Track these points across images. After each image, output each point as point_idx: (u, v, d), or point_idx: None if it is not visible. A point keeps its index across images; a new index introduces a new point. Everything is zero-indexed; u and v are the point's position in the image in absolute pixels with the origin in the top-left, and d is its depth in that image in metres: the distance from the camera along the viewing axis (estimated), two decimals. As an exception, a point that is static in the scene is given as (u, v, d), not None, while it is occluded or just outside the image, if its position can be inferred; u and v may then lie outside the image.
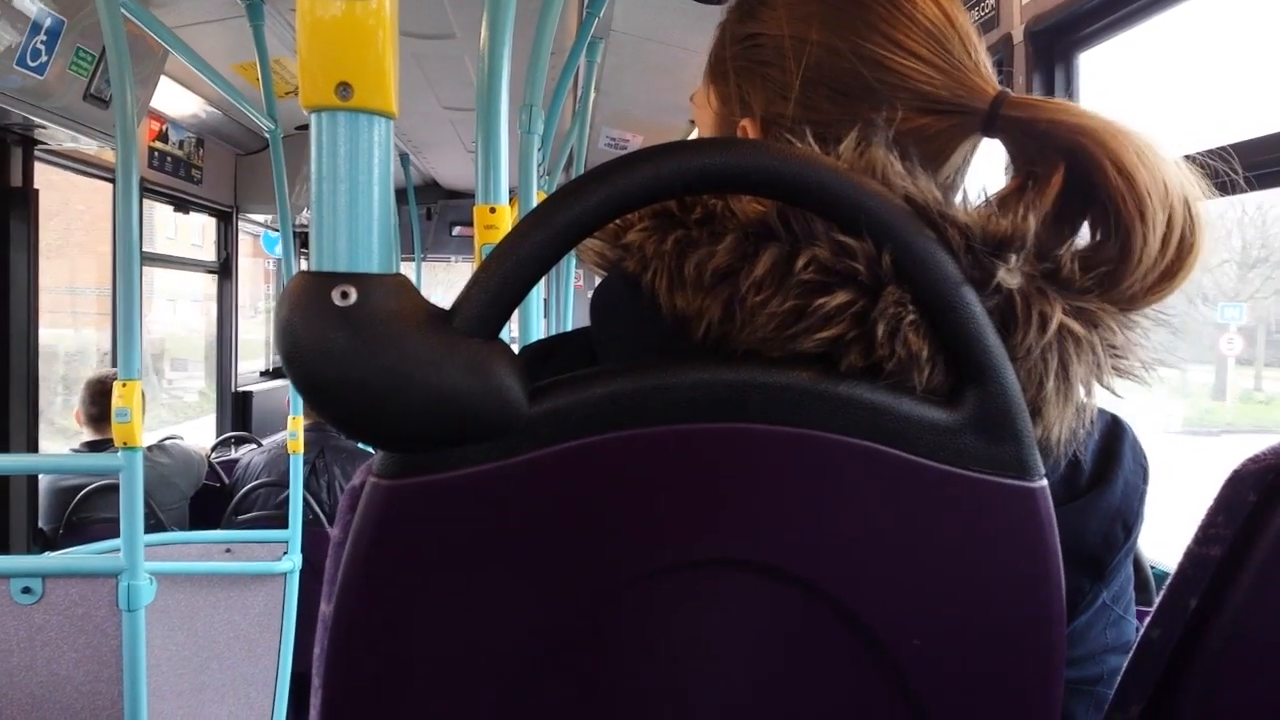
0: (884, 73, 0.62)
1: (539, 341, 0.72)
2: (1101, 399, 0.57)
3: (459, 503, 0.47)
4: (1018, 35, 1.68)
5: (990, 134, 0.61)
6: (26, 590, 2.02)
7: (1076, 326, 0.53)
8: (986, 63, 0.64)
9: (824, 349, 0.49)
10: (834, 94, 0.63)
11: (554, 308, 3.84)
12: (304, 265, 0.46)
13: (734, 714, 0.51)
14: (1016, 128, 0.60)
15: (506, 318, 0.47)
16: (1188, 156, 0.59)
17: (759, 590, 0.49)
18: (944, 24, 0.63)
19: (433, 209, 5.59)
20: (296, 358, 0.44)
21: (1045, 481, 0.49)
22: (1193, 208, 0.55)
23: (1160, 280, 0.55)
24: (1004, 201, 0.55)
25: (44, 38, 2.37)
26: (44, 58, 2.40)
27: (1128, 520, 0.62)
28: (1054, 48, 1.65)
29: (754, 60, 0.67)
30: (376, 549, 0.48)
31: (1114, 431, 0.64)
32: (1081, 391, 0.54)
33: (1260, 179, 1.23)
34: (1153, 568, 1.45)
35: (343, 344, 0.44)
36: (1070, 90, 1.67)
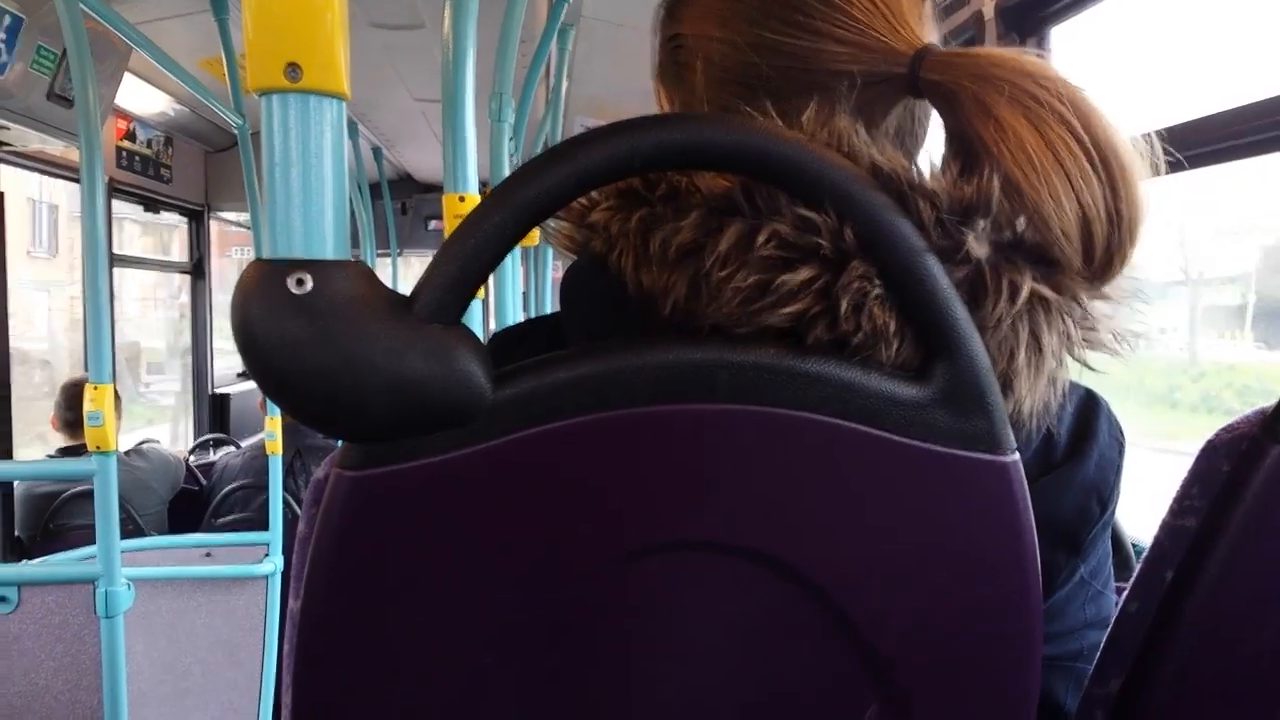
0: (784, 59, 0.61)
1: (511, 326, 0.71)
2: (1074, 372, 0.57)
3: (424, 492, 0.46)
4: (989, 11, 1.68)
5: (919, 97, 0.59)
6: (2, 599, 1.99)
7: (1048, 292, 0.52)
8: (914, 19, 0.61)
9: (790, 324, 0.48)
10: (742, 89, 0.62)
11: (532, 300, 3.82)
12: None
13: (708, 697, 0.51)
14: (938, 92, 0.57)
15: (468, 302, 0.46)
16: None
17: (731, 572, 0.49)
18: None
19: (408, 203, 5.55)
20: (253, 348, 0.43)
21: (1018, 455, 0.49)
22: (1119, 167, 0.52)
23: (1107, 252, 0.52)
24: (964, 166, 0.53)
25: (3, 36, 2.33)
26: (4, 57, 2.36)
27: (1103, 494, 0.62)
28: (1025, 23, 1.65)
29: (676, 62, 0.67)
30: (342, 542, 0.47)
31: (1088, 405, 0.64)
32: (1053, 363, 0.54)
33: (1195, 159, 1.23)
34: (1134, 545, 1.45)
35: (300, 333, 0.43)
36: None
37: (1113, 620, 0.59)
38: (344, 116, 0.44)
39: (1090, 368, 0.56)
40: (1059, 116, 0.52)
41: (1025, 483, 0.49)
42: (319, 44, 0.42)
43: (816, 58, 0.60)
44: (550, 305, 3.79)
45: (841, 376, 0.47)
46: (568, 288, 0.62)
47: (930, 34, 0.61)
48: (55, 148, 2.90)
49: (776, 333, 0.49)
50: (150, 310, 5.87)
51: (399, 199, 5.44)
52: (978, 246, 0.50)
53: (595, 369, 0.46)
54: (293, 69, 0.42)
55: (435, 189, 5.58)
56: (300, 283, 0.43)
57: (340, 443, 0.47)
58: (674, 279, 0.51)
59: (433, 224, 5.57)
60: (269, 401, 2.86)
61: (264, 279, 0.43)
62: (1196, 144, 1.22)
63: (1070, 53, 1.66)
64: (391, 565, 0.47)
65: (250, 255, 5.38)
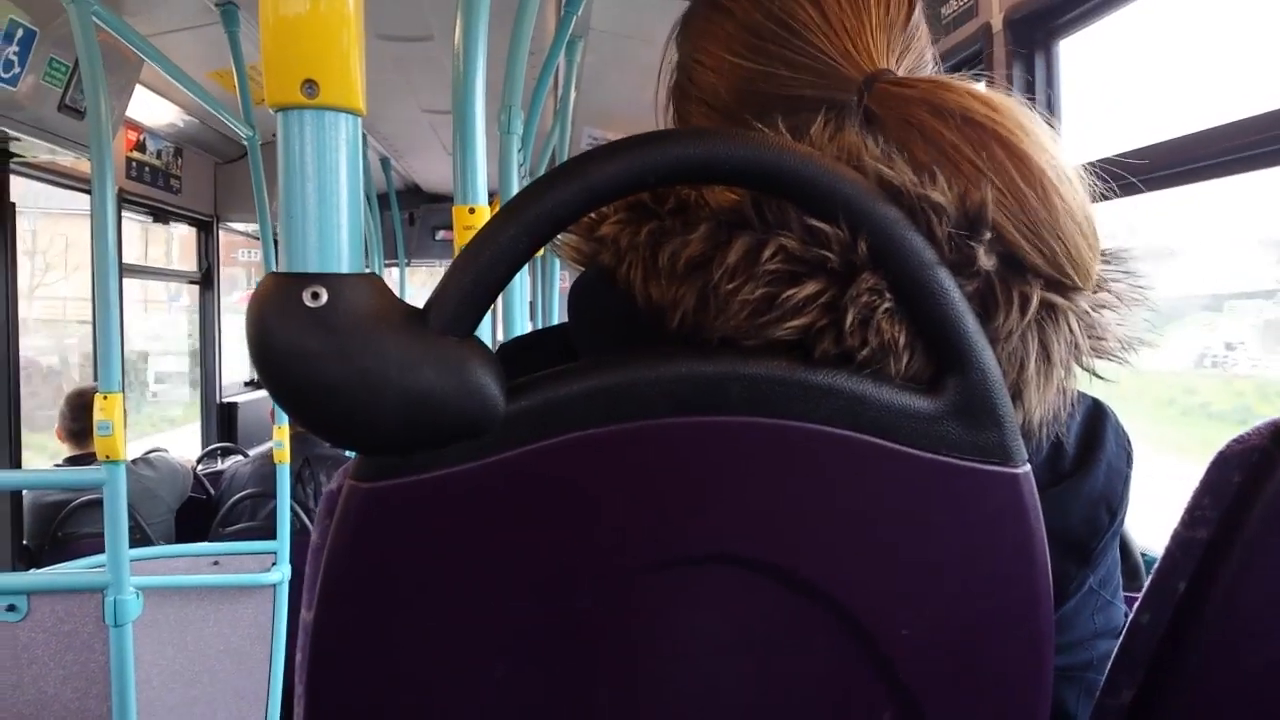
0: (744, 82, 0.63)
1: (517, 338, 0.72)
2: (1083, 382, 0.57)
3: (437, 503, 0.46)
4: (997, 24, 1.68)
5: (871, 123, 0.58)
6: (11, 608, 2.00)
7: (1057, 299, 0.52)
8: (877, 44, 0.61)
9: (797, 337, 0.49)
10: (709, 110, 0.65)
11: (540, 309, 3.83)
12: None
13: (720, 709, 0.51)
14: (881, 119, 0.57)
15: (481, 314, 0.46)
16: (1099, 162, 0.58)
17: (744, 584, 0.49)
18: (786, 16, 0.62)
19: (415, 214, 5.57)
20: (268, 361, 0.44)
21: (1029, 467, 0.49)
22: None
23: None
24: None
25: (16, 49, 2.34)
26: (17, 69, 2.37)
27: (1112, 504, 0.62)
28: (1033, 36, 1.65)
29: (677, 85, 0.70)
30: (355, 553, 0.47)
31: (1096, 415, 0.64)
32: (1061, 372, 0.54)
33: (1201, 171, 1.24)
34: (1142, 554, 1.45)
35: (315, 346, 0.43)
36: (1050, 78, 1.67)
37: (1124, 631, 0.59)
38: (359, 132, 0.45)
39: (1099, 376, 0.57)
40: (1000, 139, 0.53)
41: (1036, 494, 0.49)
42: (335, 61, 0.42)
43: (769, 81, 0.62)
44: (558, 314, 3.79)
45: (853, 389, 0.48)
46: (576, 300, 0.63)
47: (906, 57, 0.62)
48: (66, 159, 2.92)
49: (785, 346, 0.49)
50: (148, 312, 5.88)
51: (406, 209, 5.46)
52: (986, 259, 0.51)
53: (608, 381, 0.47)
54: (309, 85, 0.42)
55: (442, 199, 5.60)
56: (315, 296, 0.43)
57: (351, 453, 0.48)
58: (683, 291, 0.52)
59: (440, 234, 5.58)
60: (277, 410, 2.86)
61: (279, 292, 0.43)
62: (1205, 156, 1.22)
63: (1079, 66, 1.66)
64: (404, 576, 0.48)
65: (253, 258, 5.39)
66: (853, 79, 0.60)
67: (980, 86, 0.56)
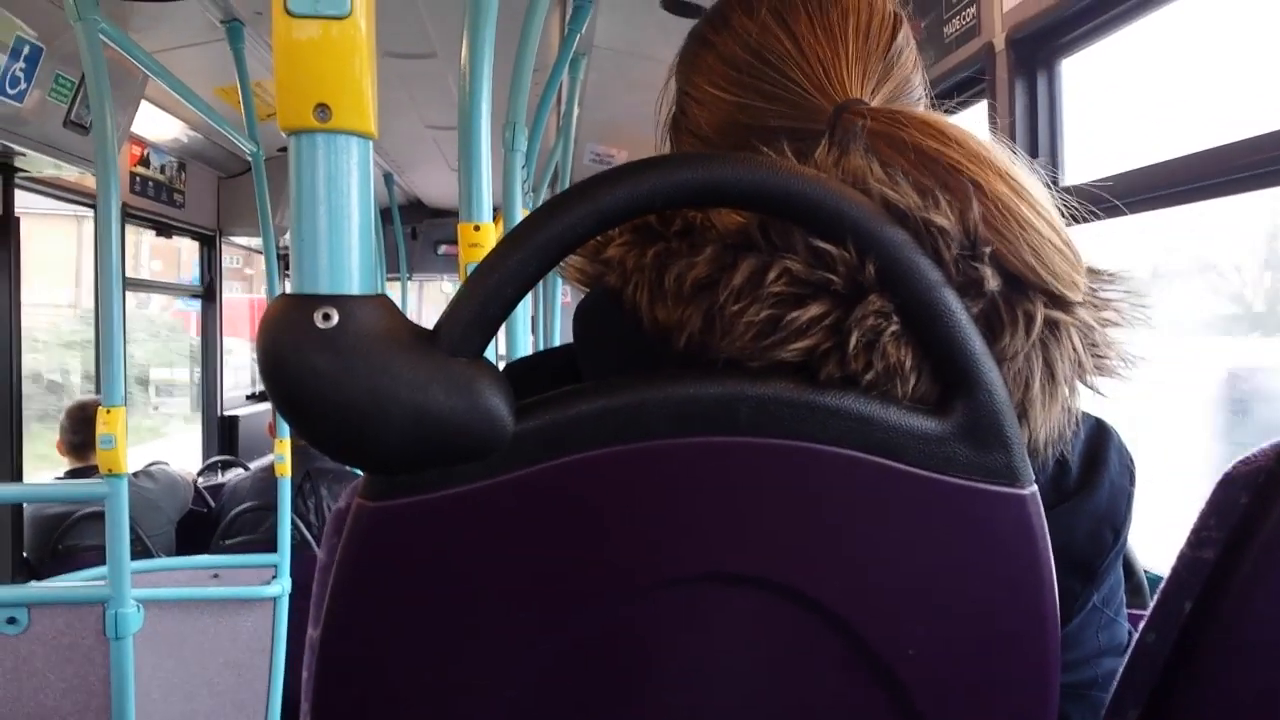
0: (723, 114, 0.64)
1: (523, 358, 0.72)
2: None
3: (446, 523, 0.47)
4: (999, 43, 1.69)
5: (844, 152, 0.59)
6: (11, 620, 1.99)
7: (1060, 315, 0.53)
8: (853, 75, 0.62)
9: (801, 359, 0.49)
10: (696, 141, 0.67)
11: (541, 325, 3.83)
12: (288, 288, 0.46)
13: None
14: (850, 146, 0.57)
15: (490, 336, 0.46)
16: (1072, 188, 0.59)
17: (751, 604, 0.49)
18: (763, 49, 0.63)
19: (418, 228, 5.58)
20: (280, 382, 0.44)
21: (1035, 488, 0.49)
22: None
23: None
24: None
25: (23, 65, 2.36)
26: (23, 85, 2.38)
27: (1115, 523, 0.62)
28: (1036, 55, 1.66)
29: (667, 120, 0.72)
30: (363, 572, 0.47)
31: (1099, 434, 0.64)
32: (1066, 390, 0.54)
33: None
34: (1145, 572, 1.44)
35: (325, 367, 0.43)
36: (1053, 97, 1.68)
37: (1130, 651, 0.59)
38: (370, 155, 0.45)
39: (1100, 393, 0.57)
40: (954, 169, 0.53)
41: (1043, 514, 0.49)
42: (347, 86, 0.43)
43: (745, 113, 0.63)
44: (559, 331, 3.79)
45: (861, 410, 0.48)
46: (582, 322, 0.63)
47: (885, 85, 0.63)
48: (70, 174, 2.93)
49: (790, 368, 0.49)
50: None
51: (409, 224, 5.48)
52: (993, 280, 0.51)
53: (615, 402, 0.47)
54: (322, 110, 0.43)
55: (445, 214, 5.61)
56: (326, 317, 0.43)
57: (356, 470, 0.48)
58: (688, 313, 0.52)
59: (442, 249, 5.59)
60: (278, 423, 2.86)
61: (290, 313, 0.44)
62: (1205, 177, 1.23)
63: (1082, 84, 1.67)
64: (412, 595, 0.48)
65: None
66: (823, 109, 0.61)
67: (946, 115, 0.57)
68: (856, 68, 0.62)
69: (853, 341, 0.48)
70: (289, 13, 0.42)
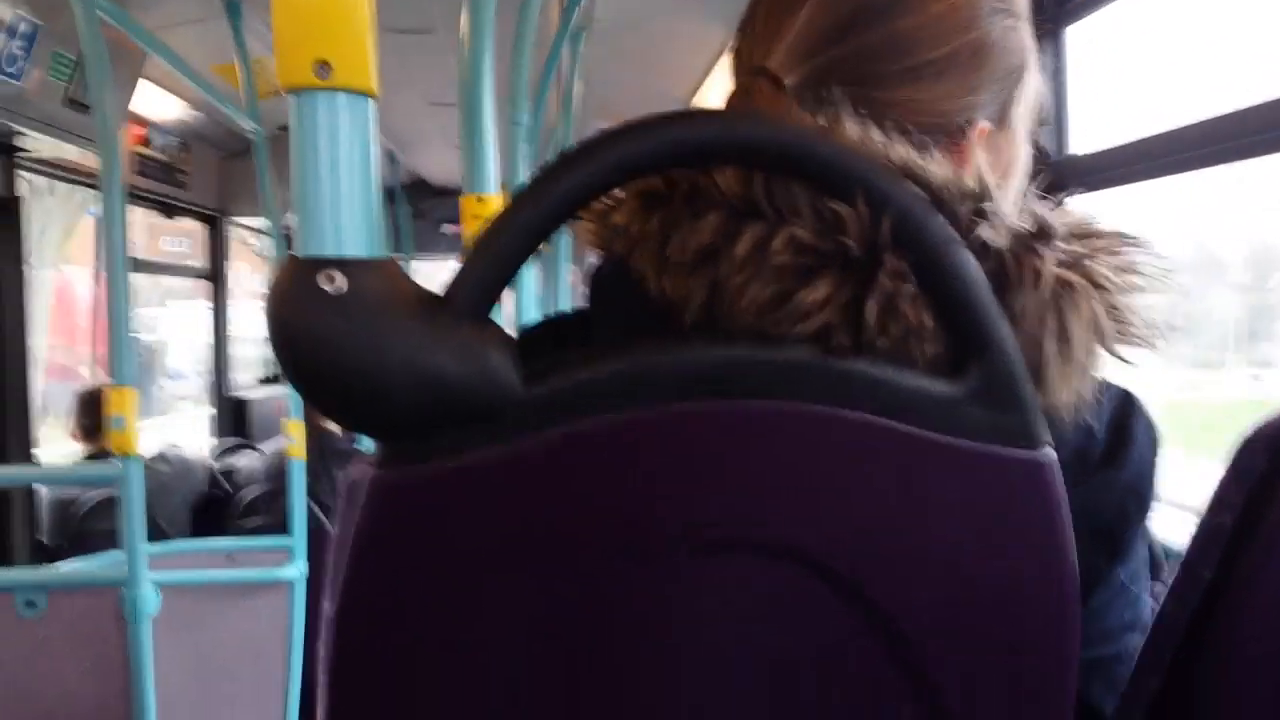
0: None
1: (538, 322, 0.72)
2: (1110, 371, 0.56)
3: (457, 490, 0.46)
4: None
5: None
6: (30, 604, 2.01)
7: (1071, 276, 0.52)
8: (778, 41, 0.62)
9: (813, 336, 0.48)
10: None
11: (549, 303, 3.82)
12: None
13: (744, 698, 0.50)
14: None
15: (497, 298, 0.46)
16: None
17: (765, 570, 0.48)
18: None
19: (421, 207, 5.57)
20: (286, 345, 0.44)
21: (1053, 452, 0.48)
22: None
23: None
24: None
25: (20, 43, 2.34)
26: (21, 63, 2.37)
27: (1141, 494, 0.61)
28: (1041, 22, 1.63)
29: None
30: (377, 543, 0.47)
31: (1125, 405, 0.63)
32: (1082, 353, 0.53)
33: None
34: (1163, 547, 1.44)
35: (332, 330, 0.43)
36: (1058, 65, 1.65)
37: (1154, 620, 0.58)
38: (372, 115, 0.44)
39: (1126, 361, 0.56)
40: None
41: (1061, 479, 0.49)
42: (349, 41, 0.42)
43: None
44: (565, 305, 3.79)
45: (876, 374, 0.47)
46: (595, 288, 0.63)
47: (791, 55, 0.62)
48: (72, 153, 2.92)
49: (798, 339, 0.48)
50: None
51: (413, 203, 5.46)
52: (998, 236, 0.50)
53: (627, 366, 0.46)
54: (322, 67, 0.42)
55: (448, 193, 5.59)
56: (332, 280, 0.43)
57: (363, 446, 0.47)
58: (694, 284, 0.51)
59: (446, 228, 5.58)
60: (291, 404, 2.86)
61: (296, 277, 0.43)
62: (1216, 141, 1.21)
63: (1086, 52, 1.65)
64: (427, 564, 0.47)
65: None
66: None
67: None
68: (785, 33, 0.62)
69: (869, 312, 0.47)
70: None
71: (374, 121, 0.44)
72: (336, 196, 0.43)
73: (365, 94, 0.43)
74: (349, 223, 0.43)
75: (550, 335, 0.68)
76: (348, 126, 0.43)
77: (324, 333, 0.42)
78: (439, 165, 5.16)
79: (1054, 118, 1.66)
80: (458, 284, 0.45)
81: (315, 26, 0.41)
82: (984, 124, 0.62)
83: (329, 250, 0.43)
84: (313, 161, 0.43)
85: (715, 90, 3.52)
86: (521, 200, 0.45)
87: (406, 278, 0.45)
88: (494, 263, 0.45)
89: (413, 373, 0.43)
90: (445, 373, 0.44)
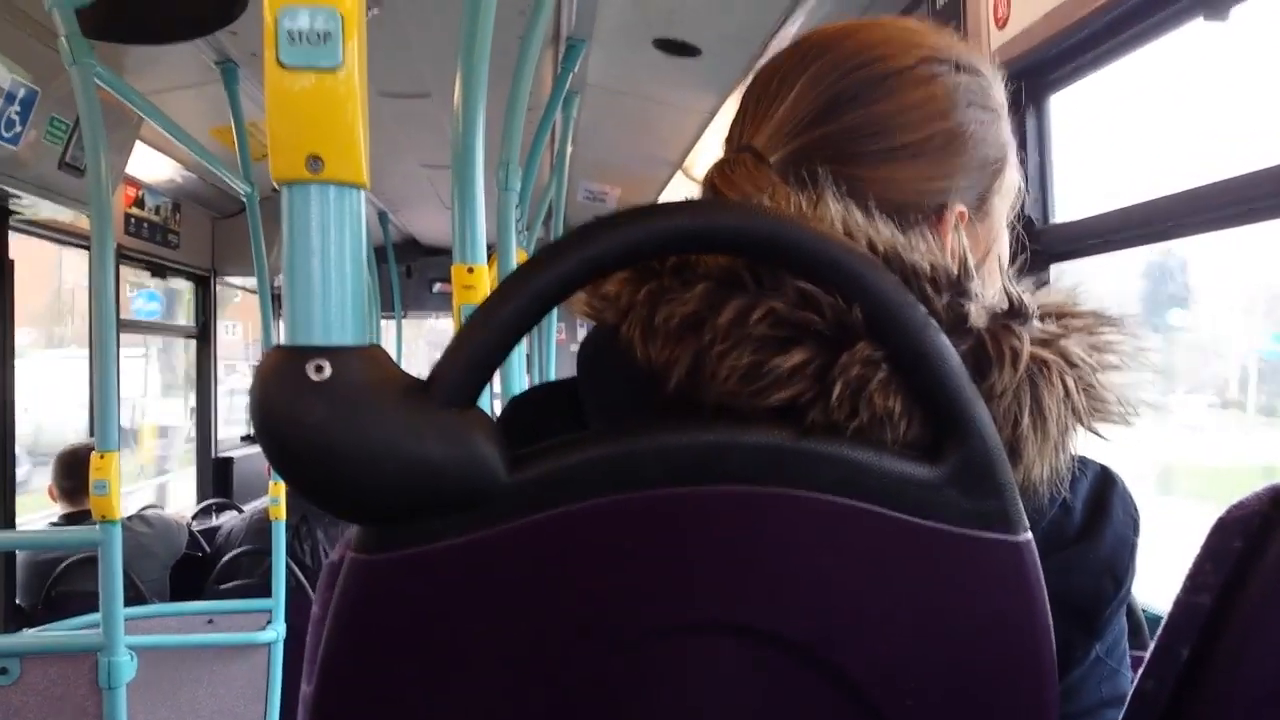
0: None
1: (527, 392, 0.72)
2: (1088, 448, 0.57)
3: (439, 576, 0.46)
4: (986, 79, 1.69)
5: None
6: (3, 671, 1.97)
7: (1046, 354, 0.53)
8: (752, 120, 0.66)
9: (786, 405, 0.49)
10: None
11: (536, 363, 3.83)
12: (282, 327, 0.46)
13: None
14: None
15: (484, 386, 0.46)
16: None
17: (746, 654, 0.48)
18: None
19: (412, 266, 5.60)
20: (271, 433, 0.44)
21: (1030, 535, 0.49)
22: None
23: None
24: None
25: (18, 108, 2.37)
26: (18, 128, 2.39)
27: (1117, 573, 0.61)
28: (1025, 91, 1.67)
29: None
30: (356, 626, 0.47)
31: (1104, 482, 0.63)
32: (1056, 430, 0.54)
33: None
34: (1144, 611, 1.43)
35: (318, 419, 0.43)
36: (1041, 133, 1.68)
37: (1129, 698, 0.58)
38: (363, 205, 0.45)
39: (1102, 437, 0.56)
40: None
41: (1039, 562, 0.49)
42: (340, 137, 0.43)
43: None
44: (555, 368, 3.79)
45: (854, 458, 0.48)
46: (584, 357, 0.64)
47: (777, 134, 0.64)
48: (65, 216, 2.93)
49: (778, 412, 0.49)
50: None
51: (403, 262, 5.49)
52: (977, 316, 0.51)
53: (609, 452, 0.47)
54: (314, 161, 0.43)
55: (439, 252, 5.63)
56: (319, 369, 0.43)
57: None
58: (678, 352, 0.52)
59: (437, 287, 5.61)
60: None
61: (283, 366, 0.43)
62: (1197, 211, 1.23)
63: (1069, 120, 1.68)
64: (406, 648, 0.47)
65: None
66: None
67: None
68: (755, 114, 0.66)
69: (836, 390, 0.48)
70: (281, 64, 0.42)
71: (363, 211, 0.45)
72: (326, 286, 0.44)
73: (355, 186, 0.44)
74: (337, 311, 0.44)
75: (539, 405, 0.69)
76: (337, 217, 0.44)
77: (309, 421, 0.43)
78: (430, 225, 5.20)
79: (1038, 186, 1.68)
80: (442, 371, 0.46)
81: (308, 123, 0.43)
82: (961, 208, 0.63)
83: (317, 339, 0.44)
84: (304, 251, 0.44)
85: (705, 155, 3.56)
86: (507, 290, 0.46)
87: (392, 364, 0.46)
88: (478, 351, 0.46)
89: (397, 458, 0.44)
90: (430, 459, 0.44)
